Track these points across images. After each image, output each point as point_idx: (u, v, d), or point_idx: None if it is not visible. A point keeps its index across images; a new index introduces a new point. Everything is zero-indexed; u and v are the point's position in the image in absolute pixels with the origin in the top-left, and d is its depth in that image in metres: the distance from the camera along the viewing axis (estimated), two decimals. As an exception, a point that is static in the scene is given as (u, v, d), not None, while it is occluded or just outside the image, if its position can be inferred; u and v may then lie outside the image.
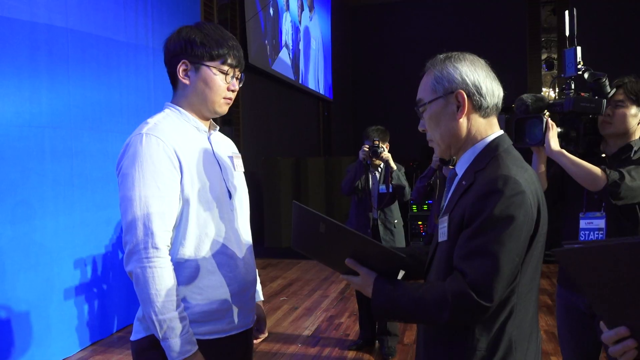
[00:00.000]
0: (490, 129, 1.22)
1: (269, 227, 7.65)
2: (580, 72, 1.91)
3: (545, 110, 1.93)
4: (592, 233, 1.92)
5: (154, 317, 1.30)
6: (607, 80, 1.87)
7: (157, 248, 1.31)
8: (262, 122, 8.22)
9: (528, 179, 1.13)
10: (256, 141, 7.93)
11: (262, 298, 1.71)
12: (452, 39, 10.37)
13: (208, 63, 1.42)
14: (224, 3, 6.73)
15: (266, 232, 7.68)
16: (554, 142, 1.85)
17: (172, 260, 1.36)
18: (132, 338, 1.44)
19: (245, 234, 1.54)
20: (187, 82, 1.43)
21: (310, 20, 10.33)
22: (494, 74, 1.23)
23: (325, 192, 7.83)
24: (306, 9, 10.03)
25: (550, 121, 1.86)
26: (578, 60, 1.91)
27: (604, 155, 1.98)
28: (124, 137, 1.41)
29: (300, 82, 9.57)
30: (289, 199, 7.69)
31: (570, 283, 2.03)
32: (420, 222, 6.88)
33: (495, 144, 1.20)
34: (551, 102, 1.94)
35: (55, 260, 3.51)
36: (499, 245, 1.07)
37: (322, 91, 10.86)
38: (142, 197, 1.32)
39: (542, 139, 1.85)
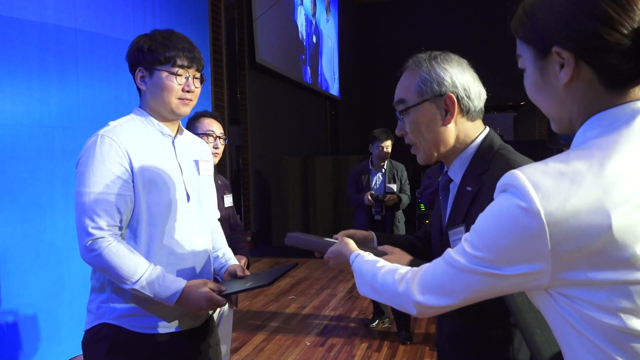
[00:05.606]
0: (477, 130, 1.18)
1: (276, 226, 7.65)
2: None
3: None
4: None
5: (128, 288, 1.40)
6: None
7: (102, 237, 1.39)
8: (270, 121, 8.22)
9: None
10: (264, 140, 7.94)
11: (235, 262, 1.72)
12: (458, 38, 10.34)
13: (159, 67, 1.48)
14: (231, 2, 6.74)
15: (274, 231, 7.69)
16: None
17: None
18: (85, 328, 1.51)
19: (201, 237, 1.57)
20: (144, 88, 1.53)
21: (327, 22, 10.42)
22: (477, 75, 1.19)
23: (332, 191, 7.82)
24: (323, 12, 10.12)
25: None
26: None
27: None
28: (132, 136, 1.45)
29: (311, 76, 9.58)
30: (296, 198, 7.69)
31: None
32: (427, 222, 6.87)
33: (488, 144, 1.16)
34: None
35: (65, 260, 3.52)
36: None
37: (330, 90, 10.86)
38: (91, 194, 1.39)
39: None
